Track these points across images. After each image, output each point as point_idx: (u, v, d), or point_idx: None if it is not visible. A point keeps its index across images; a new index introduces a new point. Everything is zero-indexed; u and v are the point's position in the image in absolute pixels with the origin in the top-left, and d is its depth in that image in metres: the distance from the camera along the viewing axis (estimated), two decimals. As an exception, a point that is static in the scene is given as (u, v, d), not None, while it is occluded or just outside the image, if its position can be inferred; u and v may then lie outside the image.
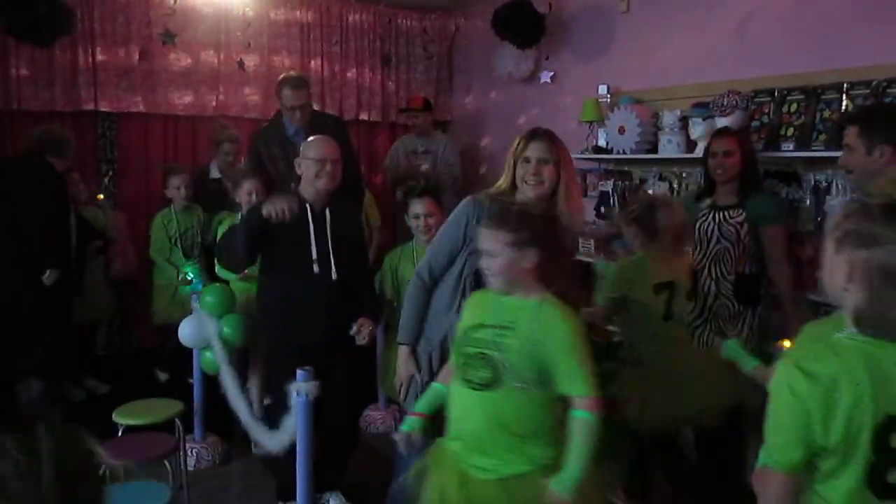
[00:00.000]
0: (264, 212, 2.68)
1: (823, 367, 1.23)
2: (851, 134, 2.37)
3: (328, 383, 2.66)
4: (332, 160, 2.83)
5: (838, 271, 1.26)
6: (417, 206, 3.20)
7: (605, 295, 2.80)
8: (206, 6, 5.04)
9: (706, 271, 3.17)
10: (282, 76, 3.96)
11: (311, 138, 2.95)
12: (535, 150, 2.26)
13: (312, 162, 2.81)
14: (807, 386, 1.23)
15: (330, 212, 2.86)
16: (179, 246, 4.30)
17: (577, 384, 1.87)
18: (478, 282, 2.19)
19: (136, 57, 4.89)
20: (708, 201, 3.24)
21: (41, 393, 3.68)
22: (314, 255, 2.80)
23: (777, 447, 1.29)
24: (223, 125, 4.82)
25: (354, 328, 2.75)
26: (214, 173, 4.69)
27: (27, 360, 3.82)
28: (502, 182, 2.33)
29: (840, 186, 3.21)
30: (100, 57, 4.78)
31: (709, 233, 3.17)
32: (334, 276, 2.81)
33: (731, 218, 3.12)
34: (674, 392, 2.54)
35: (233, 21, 5.15)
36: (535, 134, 2.31)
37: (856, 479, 1.24)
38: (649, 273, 2.66)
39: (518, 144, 2.31)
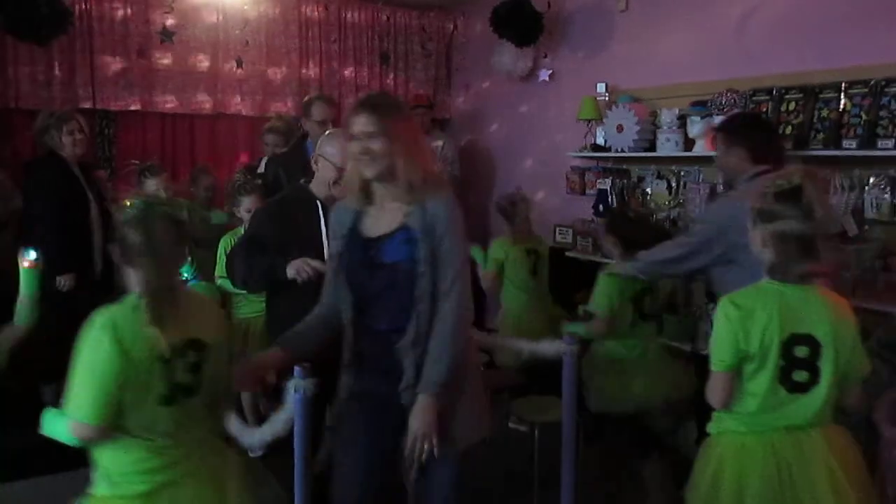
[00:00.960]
0: (290, 273, 2.50)
1: (746, 301, 1.87)
2: (718, 139, 2.85)
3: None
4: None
5: (757, 240, 1.90)
6: None
7: (490, 261, 3.92)
8: (205, 4, 5.04)
9: None
10: (307, 97, 3.99)
11: (332, 133, 2.70)
12: (357, 125, 2.01)
13: (332, 167, 2.56)
14: (735, 312, 1.86)
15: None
16: None
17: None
18: (354, 296, 2.11)
19: (135, 55, 4.89)
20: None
21: (56, 395, 3.68)
22: (326, 257, 2.53)
23: (717, 355, 1.90)
24: (280, 116, 4.70)
25: None
26: (262, 168, 4.47)
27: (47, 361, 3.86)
28: (349, 167, 2.13)
29: (839, 185, 3.21)
30: (98, 55, 4.78)
31: None
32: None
33: None
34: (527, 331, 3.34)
35: (231, 19, 5.15)
36: (359, 105, 2.05)
37: (770, 377, 1.86)
38: (514, 241, 3.93)
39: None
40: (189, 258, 4.14)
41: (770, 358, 1.85)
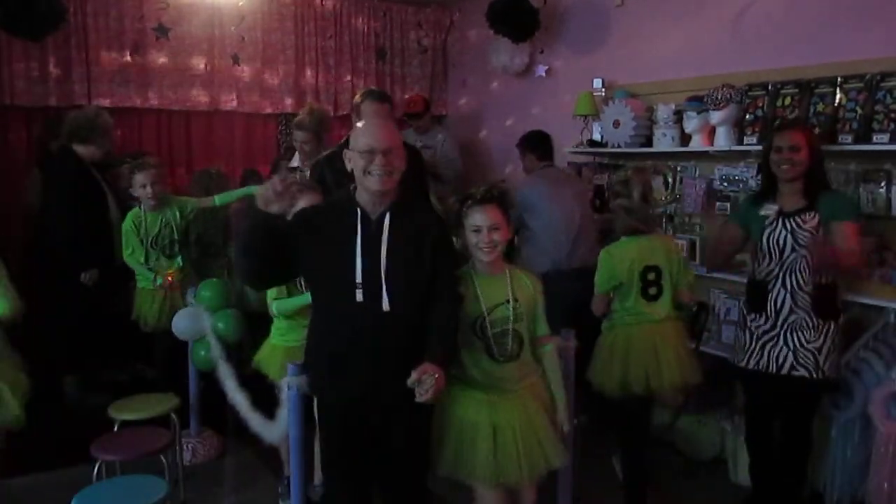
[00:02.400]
0: (259, 202, 2.10)
1: (616, 250, 3.01)
2: (518, 149, 4.17)
3: (386, 453, 2.24)
4: (383, 150, 2.11)
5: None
6: (478, 216, 2.30)
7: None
8: (200, 0, 5.01)
9: (779, 282, 2.88)
10: (358, 94, 3.50)
11: (360, 123, 2.33)
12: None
13: (359, 154, 2.13)
14: (610, 257, 3.00)
15: (391, 219, 2.16)
16: (156, 248, 3.91)
17: None
18: None
19: (130, 51, 4.87)
20: (774, 207, 2.91)
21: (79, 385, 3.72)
22: (358, 278, 2.12)
23: (600, 285, 3.02)
24: (311, 111, 4.36)
25: (413, 376, 1.98)
26: (294, 162, 4.38)
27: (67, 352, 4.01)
28: None
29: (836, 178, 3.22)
30: (93, 51, 4.75)
31: (780, 242, 2.86)
32: (385, 306, 2.13)
33: (804, 223, 2.82)
34: None
35: (226, 15, 5.12)
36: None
37: (636, 294, 2.97)
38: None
39: None
40: (179, 255, 4.06)
41: (634, 282, 2.96)
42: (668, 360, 2.93)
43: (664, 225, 4.16)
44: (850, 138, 3.14)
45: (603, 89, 4.51)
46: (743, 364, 2.99)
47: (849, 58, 3.24)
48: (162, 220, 3.92)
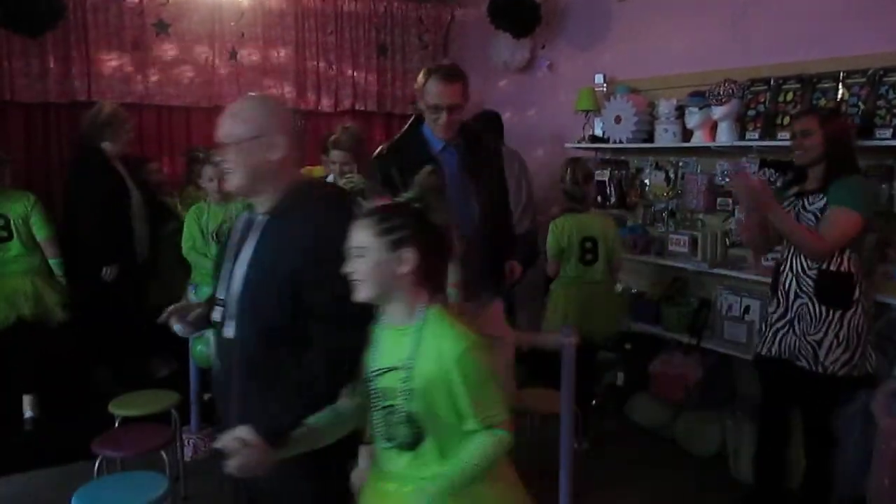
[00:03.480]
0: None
1: (559, 222, 3.68)
2: None
3: None
4: (223, 144, 1.69)
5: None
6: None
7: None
8: (200, -4, 5.01)
9: (787, 265, 2.83)
10: (429, 67, 2.87)
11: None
12: None
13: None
14: (557, 227, 3.67)
15: (269, 224, 1.71)
16: (216, 240, 3.83)
17: None
18: None
19: (130, 47, 4.86)
20: (795, 189, 2.88)
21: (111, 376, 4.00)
22: (221, 294, 1.76)
23: (550, 250, 3.69)
24: (346, 128, 3.92)
25: (218, 442, 1.51)
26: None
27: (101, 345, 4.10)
28: None
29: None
30: (93, 47, 4.75)
31: None
32: (229, 331, 1.71)
33: (810, 205, 2.76)
34: None
35: (226, 11, 5.11)
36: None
37: (577, 258, 3.67)
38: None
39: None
40: None
41: (574, 249, 3.64)
42: (598, 313, 3.66)
43: (665, 220, 4.17)
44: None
45: (604, 84, 4.50)
46: (758, 350, 2.98)
47: (851, 53, 3.23)
48: (225, 213, 3.87)
